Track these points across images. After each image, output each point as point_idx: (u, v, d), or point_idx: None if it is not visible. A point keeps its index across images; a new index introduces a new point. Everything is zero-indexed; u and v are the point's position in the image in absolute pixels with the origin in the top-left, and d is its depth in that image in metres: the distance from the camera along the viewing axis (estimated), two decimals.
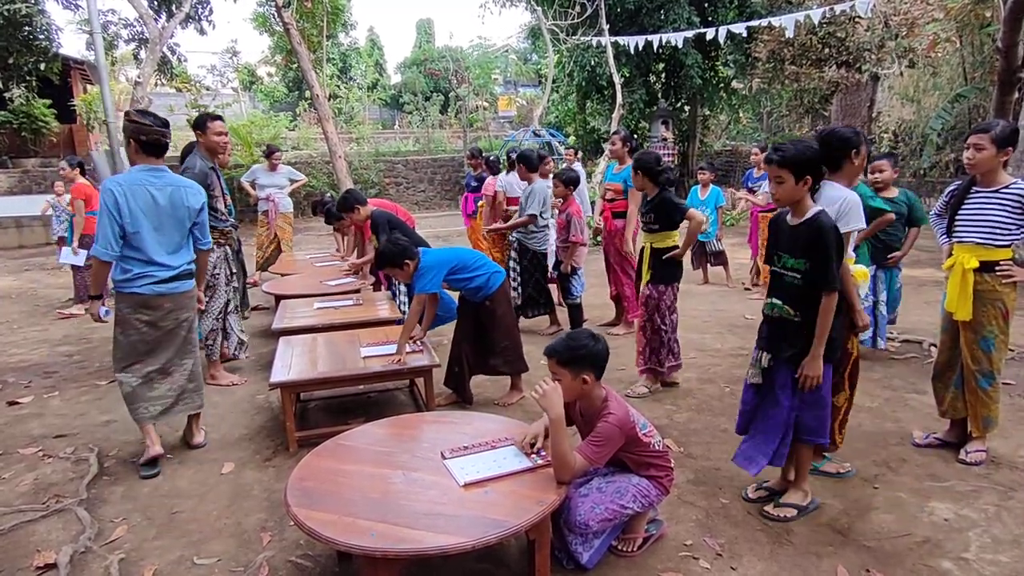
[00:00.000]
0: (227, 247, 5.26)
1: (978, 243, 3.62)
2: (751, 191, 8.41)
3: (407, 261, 4.46)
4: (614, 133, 6.84)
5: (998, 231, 3.56)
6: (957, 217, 3.74)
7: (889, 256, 5.38)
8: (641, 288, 5.04)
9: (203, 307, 4.59)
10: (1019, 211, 3.51)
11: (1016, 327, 6.21)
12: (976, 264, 3.60)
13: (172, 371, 4.00)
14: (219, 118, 5.19)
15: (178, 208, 3.86)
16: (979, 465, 3.72)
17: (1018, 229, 3.55)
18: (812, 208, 3.02)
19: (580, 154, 9.57)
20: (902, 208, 5.29)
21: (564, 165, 9.77)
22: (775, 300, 3.17)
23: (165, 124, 3.87)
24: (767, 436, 3.20)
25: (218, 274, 5.16)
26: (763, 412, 3.25)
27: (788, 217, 3.11)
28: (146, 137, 3.79)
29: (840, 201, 3.17)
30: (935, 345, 5.47)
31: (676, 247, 4.86)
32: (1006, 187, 3.54)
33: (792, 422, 3.15)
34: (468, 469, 2.73)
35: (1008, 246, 3.59)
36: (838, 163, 3.33)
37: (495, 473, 2.71)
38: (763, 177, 8.56)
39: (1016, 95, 4.97)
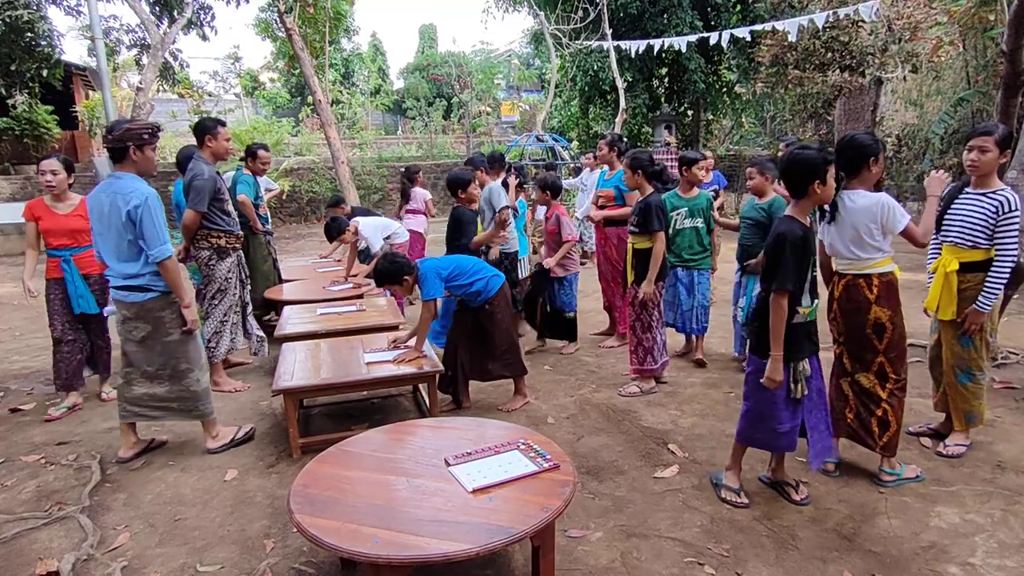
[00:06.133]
0: (239, 252, 5.28)
1: (955, 243, 3.73)
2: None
3: (406, 276, 4.47)
4: (600, 138, 6.78)
5: (972, 232, 3.65)
6: (944, 217, 3.83)
7: (746, 263, 5.17)
8: (627, 289, 5.08)
9: (190, 327, 4.10)
10: (995, 216, 3.57)
11: (1020, 330, 6.20)
12: (956, 267, 3.72)
13: (151, 378, 4.03)
14: (224, 124, 5.20)
15: (115, 217, 3.76)
16: (956, 458, 3.82)
17: (992, 234, 3.60)
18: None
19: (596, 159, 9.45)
20: (760, 215, 5.04)
21: (585, 171, 9.70)
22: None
23: (131, 126, 3.83)
24: (823, 428, 3.40)
25: (230, 278, 5.17)
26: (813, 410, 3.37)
27: None
28: (107, 145, 3.86)
29: (878, 207, 3.28)
30: None
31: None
32: (993, 191, 3.61)
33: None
34: (475, 475, 2.72)
35: (981, 248, 3.64)
36: (858, 170, 3.39)
37: (502, 478, 2.69)
38: (712, 184, 8.42)
39: (1021, 99, 4.95)
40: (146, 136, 3.84)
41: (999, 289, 3.60)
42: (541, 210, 8.32)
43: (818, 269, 3.34)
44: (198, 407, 4.14)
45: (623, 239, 6.07)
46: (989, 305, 3.63)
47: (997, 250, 3.56)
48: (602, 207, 6.29)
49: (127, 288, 3.87)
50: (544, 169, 8.57)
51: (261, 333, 5.65)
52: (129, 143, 3.79)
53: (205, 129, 5.08)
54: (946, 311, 3.78)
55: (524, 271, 7.16)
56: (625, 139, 7.81)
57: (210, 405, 4.20)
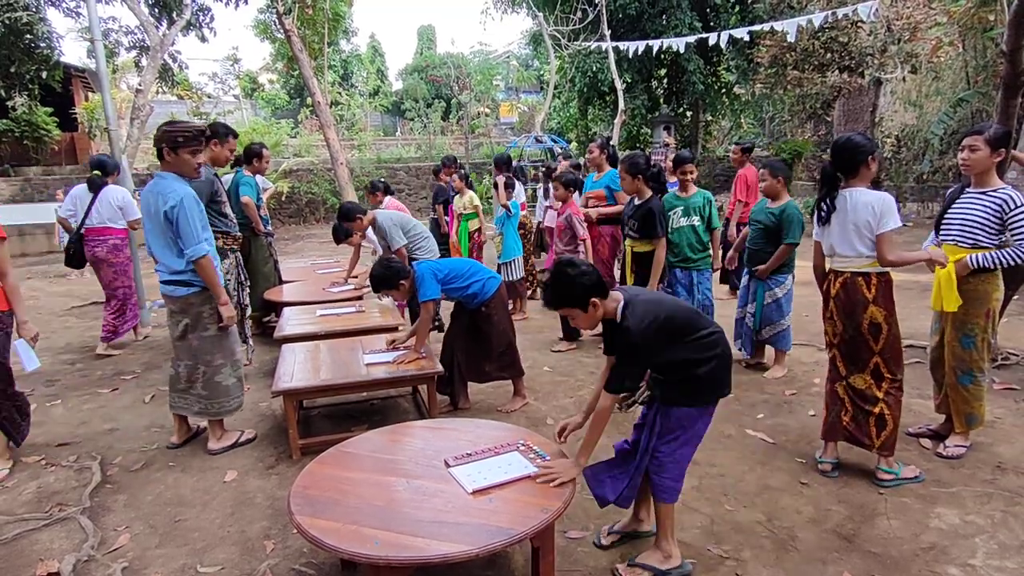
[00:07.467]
0: (237, 254, 5.32)
1: (955, 242, 3.72)
2: None
3: (402, 281, 4.47)
4: (591, 142, 6.82)
5: (972, 231, 3.64)
6: (944, 217, 3.83)
7: (755, 267, 5.18)
8: None
9: (226, 323, 4.17)
10: (998, 215, 3.56)
11: (1020, 331, 6.20)
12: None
13: (186, 372, 4.15)
14: (236, 135, 5.30)
15: (156, 215, 3.88)
16: (956, 459, 3.82)
17: (995, 234, 3.60)
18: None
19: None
20: (770, 220, 5.07)
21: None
22: None
23: (168, 128, 3.93)
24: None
25: (228, 279, 5.21)
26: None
27: None
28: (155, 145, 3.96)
29: (879, 202, 3.34)
30: None
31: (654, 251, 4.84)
32: (993, 190, 3.61)
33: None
34: (475, 476, 2.72)
35: (982, 247, 3.63)
36: (855, 169, 3.46)
37: (502, 480, 2.69)
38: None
39: (1021, 99, 4.95)
40: (180, 139, 3.90)
41: (1000, 263, 3.55)
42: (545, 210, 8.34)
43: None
44: (223, 404, 4.21)
45: (616, 237, 6.08)
46: (977, 264, 3.59)
47: (1015, 239, 3.51)
48: (593, 207, 6.32)
49: (173, 283, 4.02)
50: (542, 170, 8.59)
51: (251, 342, 5.80)
52: (163, 144, 3.89)
53: (214, 133, 5.19)
54: (949, 303, 3.71)
55: (519, 272, 7.18)
56: (615, 145, 7.86)
57: (235, 401, 4.27)
